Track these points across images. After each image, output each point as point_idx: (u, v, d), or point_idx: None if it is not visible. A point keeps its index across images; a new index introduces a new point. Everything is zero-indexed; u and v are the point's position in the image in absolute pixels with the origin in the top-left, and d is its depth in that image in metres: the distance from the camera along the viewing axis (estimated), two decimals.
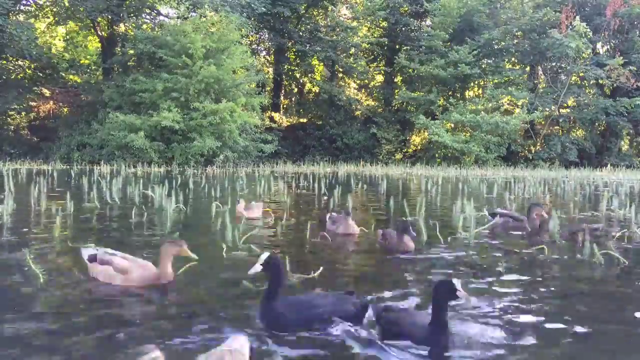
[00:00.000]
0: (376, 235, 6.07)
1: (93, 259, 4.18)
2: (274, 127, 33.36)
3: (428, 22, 37.09)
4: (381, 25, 37.76)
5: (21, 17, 30.96)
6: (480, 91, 36.53)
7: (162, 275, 4.02)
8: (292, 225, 7.32)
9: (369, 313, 3.24)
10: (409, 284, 4.21)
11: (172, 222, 7.05)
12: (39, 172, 19.43)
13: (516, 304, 3.63)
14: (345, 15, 39.23)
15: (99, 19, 30.89)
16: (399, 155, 33.98)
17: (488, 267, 4.83)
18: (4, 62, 29.91)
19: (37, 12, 33.58)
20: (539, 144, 34.66)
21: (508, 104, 36.30)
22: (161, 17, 33.27)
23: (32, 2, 33.05)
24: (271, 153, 30.84)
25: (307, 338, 3.00)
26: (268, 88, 36.65)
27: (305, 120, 40.29)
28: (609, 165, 30.92)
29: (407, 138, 35.77)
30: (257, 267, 3.26)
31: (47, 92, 33.90)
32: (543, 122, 34.98)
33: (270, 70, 37.74)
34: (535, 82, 37.58)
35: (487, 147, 30.96)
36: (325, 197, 11.00)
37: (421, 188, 15.00)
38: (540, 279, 4.44)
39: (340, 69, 38.73)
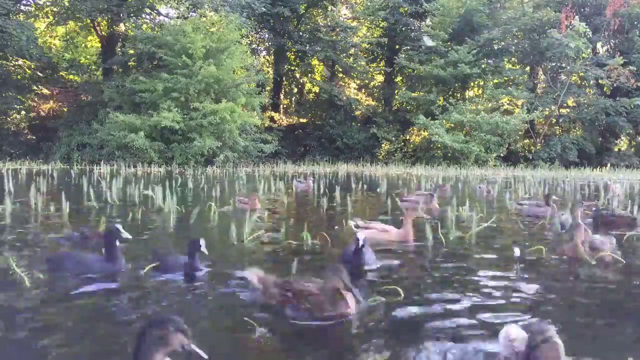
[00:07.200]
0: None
1: None
2: (273, 127, 33.42)
3: (428, 22, 37.13)
4: (381, 25, 37.80)
5: (21, 17, 30.98)
6: (480, 91, 36.56)
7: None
8: (293, 226, 7.31)
9: None
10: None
11: (173, 221, 7.05)
12: (39, 172, 19.43)
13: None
14: (345, 15, 39.29)
15: (99, 19, 30.97)
16: (399, 155, 34.01)
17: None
18: (4, 62, 29.94)
19: (37, 12, 33.66)
20: (539, 144, 34.69)
21: (508, 104, 36.34)
22: (161, 17, 33.39)
23: (32, 2, 33.12)
24: (271, 153, 30.88)
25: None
26: (268, 88, 36.68)
27: (305, 120, 40.33)
28: (608, 165, 30.94)
29: (407, 138, 35.81)
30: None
31: (47, 92, 33.95)
32: (543, 122, 35.02)
33: (270, 70, 37.79)
34: (535, 82, 37.63)
35: (487, 147, 30.98)
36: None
37: (421, 188, 14.98)
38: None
39: (340, 69, 38.77)
